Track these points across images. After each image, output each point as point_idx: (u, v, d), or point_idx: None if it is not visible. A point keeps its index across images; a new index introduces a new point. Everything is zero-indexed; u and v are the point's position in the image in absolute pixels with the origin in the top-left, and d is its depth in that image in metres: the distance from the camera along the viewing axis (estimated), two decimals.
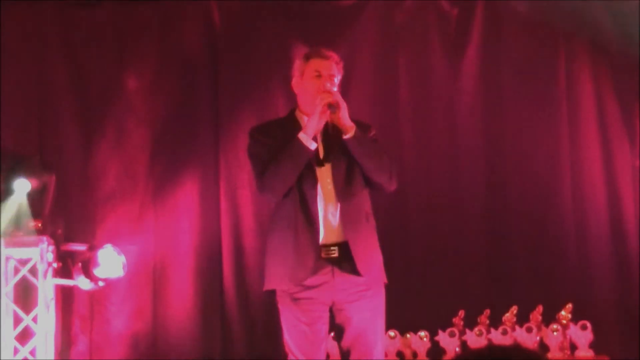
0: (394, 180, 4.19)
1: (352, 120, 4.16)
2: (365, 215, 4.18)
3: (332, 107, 4.09)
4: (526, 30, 6.59)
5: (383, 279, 4.20)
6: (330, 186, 4.12)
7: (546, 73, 6.57)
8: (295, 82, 4.30)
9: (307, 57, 4.27)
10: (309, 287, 4.10)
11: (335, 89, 4.19)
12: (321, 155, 4.15)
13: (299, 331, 4.13)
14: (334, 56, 4.26)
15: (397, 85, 6.61)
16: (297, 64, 4.30)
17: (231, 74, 6.62)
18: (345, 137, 4.10)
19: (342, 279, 4.09)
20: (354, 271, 4.08)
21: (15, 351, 5.83)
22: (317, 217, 4.09)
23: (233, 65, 6.62)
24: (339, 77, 4.25)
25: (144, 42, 6.67)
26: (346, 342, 4.16)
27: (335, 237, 4.10)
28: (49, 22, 6.63)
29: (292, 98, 6.38)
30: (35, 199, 5.93)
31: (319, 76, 4.19)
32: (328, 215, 4.11)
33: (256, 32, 6.65)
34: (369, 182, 4.17)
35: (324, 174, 4.14)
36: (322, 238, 4.10)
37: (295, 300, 4.12)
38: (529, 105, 6.55)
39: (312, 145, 4.09)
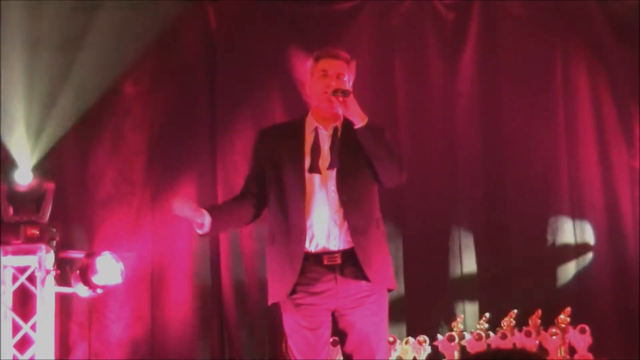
0: (404, 173, 4.19)
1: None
2: (376, 221, 4.18)
3: (345, 92, 4.08)
4: (522, 33, 6.59)
5: (391, 285, 4.20)
6: (333, 193, 4.12)
7: (543, 75, 6.57)
8: (307, 83, 4.31)
9: (317, 58, 4.27)
10: (312, 294, 4.10)
11: (347, 86, 4.19)
12: (328, 161, 4.15)
13: (301, 336, 4.13)
14: (344, 55, 4.26)
15: (394, 88, 6.61)
16: (308, 65, 4.30)
17: (228, 78, 6.62)
18: (356, 126, 4.10)
19: (346, 285, 4.09)
20: (357, 277, 4.08)
21: (15, 359, 5.82)
22: (305, 225, 4.08)
23: (230, 70, 6.62)
24: (350, 76, 4.24)
25: (141, 47, 6.66)
26: (349, 347, 4.16)
27: (338, 244, 4.10)
28: (45, 25, 6.61)
29: (288, 102, 6.47)
30: (33, 206, 5.92)
31: (326, 75, 4.20)
32: (329, 222, 4.10)
33: (253, 36, 6.65)
34: (379, 176, 4.15)
35: (327, 181, 4.14)
36: (324, 245, 4.10)
37: (298, 306, 4.12)
38: (526, 107, 6.55)
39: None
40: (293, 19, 6.70)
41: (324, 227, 4.10)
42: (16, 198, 5.89)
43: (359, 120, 4.09)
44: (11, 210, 5.83)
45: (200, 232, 4.14)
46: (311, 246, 4.10)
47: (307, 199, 4.12)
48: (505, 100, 6.56)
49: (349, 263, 4.09)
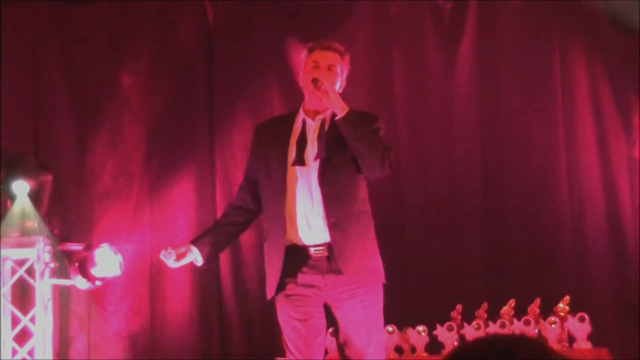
0: (387, 167, 4.13)
1: (360, 112, 4.17)
2: (356, 215, 4.14)
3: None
4: (520, 23, 6.59)
5: (379, 279, 4.17)
6: (318, 185, 4.10)
7: (541, 65, 6.57)
8: (300, 75, 4.30)
9: (310, 50, 4.26)
10: (300, 285, 4.09)
11: (339, 80, 4.18)
12: (315, 152, 4.13)
13: (293, 327, 4.12)
14: (338, 47, 4.24)
15: (392, 80, 6.60)
16: (302, 57, 4.29)
17: (226, 72, 6.62)
18: (337, 118, 4.08)
19: (332, 278, 4.08)
20: (345, 270, 4.06)
21: (14, 352, 5.81)
22: (285, 218, 4.09)
23: (228, 63, 6.62)
24: (343, 69, 4.22)
25: (139, 40, 6.67)
26: (341, 338, 4.16)
27: (324, 236, 4.09)
28: (43, 20, 6.62)
29: (286, 95, 6.47)
30: (32, 199, 5.91)
31: (317, 67, 4.18)
32: (312, 214, 4.09)
33: (250, 29, 6.65)
34: (362, 167, 4.12)
35: (311, 173, 4.12)
36: (310, 238, 4.08)
37: (288, 297, 4.12)
38: (525, 98, 6.55)
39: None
40: (291, 12, 6.69)
41: (307, 219, 4.08)
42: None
43: (340, 111, 4.08)
44: (9, 202, 5.82)
45: (198, 265, 4.28)
46: (296, 239, 4.10)
47: (288, 192, 4.11)
48: (504, 90, 6.56)
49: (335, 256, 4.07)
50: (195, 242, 4.26)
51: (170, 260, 4.19)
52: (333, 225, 4.06)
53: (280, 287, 4.11)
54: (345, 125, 4.06)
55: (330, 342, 5.33)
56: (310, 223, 4.09)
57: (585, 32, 6.57)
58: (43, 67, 6.61)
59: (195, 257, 4.22)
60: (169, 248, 4.21)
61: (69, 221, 6.34)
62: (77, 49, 6.64)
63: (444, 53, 6.62)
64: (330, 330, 4.32)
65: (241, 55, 6.63)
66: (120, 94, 6.60)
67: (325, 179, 4.08)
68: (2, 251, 5.81)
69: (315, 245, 4.09)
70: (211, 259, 4.33)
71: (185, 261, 4.23)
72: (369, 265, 4.14)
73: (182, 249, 4.22)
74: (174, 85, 6.64)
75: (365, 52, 6.59)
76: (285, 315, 4.13)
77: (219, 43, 6.67)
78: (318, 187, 4.09)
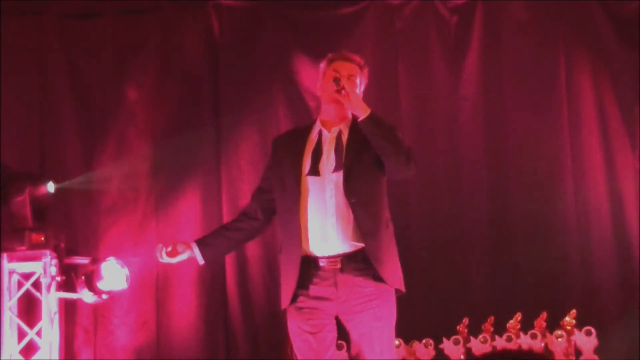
0: (412, 165, 4.14)
1: None
2: (385, 221, 4.15)
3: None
4: (525, 36, 6.59)
5: (401, 286, 4.18)
6: (334, 196, 4.10)
7: (546, 78, 6.57)
8: (318, 86, 4.31)
9: (330, 60, 4.27)
10: (312, 298, 4.09)
11: (357, 90, 4.19)
12: (332, 164, 4.12)
13: (303, 340, 4.12)
14: (358, 60, 4.28)
15: (398, 94, 6.60)
16: (321, 67, 4.30)
17: (231, 85, 6.63)
18: (359, 119, 4.09)
19: (346, 290, 4.07)
20: (359, 282, 4.06)
21: None
22: (299, 229, 4.08)
23: (233, 76, 6.63)
24: (362, 81, 4.25)
25: (145, 53, 6.68)
26: (353, 351, 4.16)
27: (338, 248, 4.08)
28: (49, 34, 6.64)
29: (292, 107, 6.48)
30: (37, 213, 5.92)
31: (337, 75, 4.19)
32: (327, 225, 4.08)
33: (256, 42, 6.66)
34: (386, 169, 4.12)
35: (327, 184, 4.12)
36: (323, 249, 4.08)
37: (299, 309, 4.11)
38: (530, 110, 6.54)
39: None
40: (296, 24, 6.71)
41: (322, 230, 4.07)
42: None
43: (362, 113, 4.08)
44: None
45: (200, 263, 4.31)
46: (310, 250, 4.09)
47: (302, 203, 4.11)
48: (509, 103, 6.55)
49: (351, 267, 4.06)
50: (198, 241, 4.29)
51: (162, 255, 4.22)
52: (366, 233, 4.05)
53: (292, 298, 4.11)
54: (370, 125, 4.06)
55: (340, 355, 5.34)
56: (323, 234, 4.08)
57: (590, 46, 6.58)
58: (49, 81, 6.63)
59: (196, 256, 4.26)
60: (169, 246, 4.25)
61: (76, 234, 6.34)
62: (83, 63, 6.67)
63: (450, 67, 6.62)
64: (339, 343, 4.31)
65: (247, 69, 6.64)
66: (126, 108, 6.62)
67: (350, 189, 4.08)
68: (9, 265, 5.83)
69: (329, 257, 4.08)
70: (212, 260, 4.36)
71: (179, 258, 4.25)
72: (398, 272, 4.19)
73: (181, 247, 4.25)
74: (179, 98, 6.66)
75: (370, 65, 6.50)
76: (296, 328, 4.12)
77: (225, 56, 6.69)
78: (334, 198, 4.09)
